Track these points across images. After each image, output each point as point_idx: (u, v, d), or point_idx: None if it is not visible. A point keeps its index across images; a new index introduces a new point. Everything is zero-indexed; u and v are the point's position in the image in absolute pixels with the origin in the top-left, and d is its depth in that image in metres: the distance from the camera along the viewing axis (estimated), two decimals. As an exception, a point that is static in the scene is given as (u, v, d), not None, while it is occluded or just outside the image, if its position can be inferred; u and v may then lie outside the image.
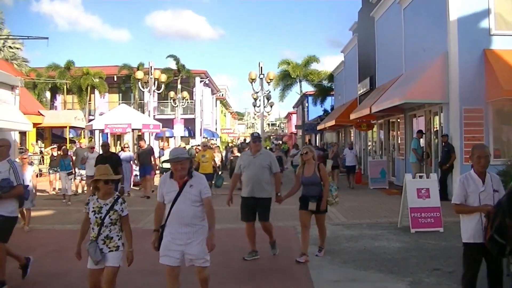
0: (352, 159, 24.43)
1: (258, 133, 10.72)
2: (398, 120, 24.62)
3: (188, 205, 6.37)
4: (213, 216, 6.50)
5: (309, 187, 9.80)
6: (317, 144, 49.17)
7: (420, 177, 13.46)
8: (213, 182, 19.74)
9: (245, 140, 63.26)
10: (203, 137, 51.73)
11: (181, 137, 38.00)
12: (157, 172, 22.79)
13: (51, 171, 21.70)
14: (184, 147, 28.97)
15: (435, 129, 20.14)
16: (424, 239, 11.49)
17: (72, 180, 20.25)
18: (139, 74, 31.77)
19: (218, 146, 36.13)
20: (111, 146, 26.86)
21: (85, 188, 20.74)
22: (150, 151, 21.53)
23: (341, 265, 9.43)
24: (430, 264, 9.29)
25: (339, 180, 23.52)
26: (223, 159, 30.89)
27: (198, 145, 32.94)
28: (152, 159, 21.17)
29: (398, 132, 24.48)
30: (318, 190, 9.72)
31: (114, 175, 12.08)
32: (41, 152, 32.98)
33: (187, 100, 41.22)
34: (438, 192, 13.04)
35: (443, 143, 17.83)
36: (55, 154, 21.99)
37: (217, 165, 22.44)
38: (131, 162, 21.55)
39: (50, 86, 46.67)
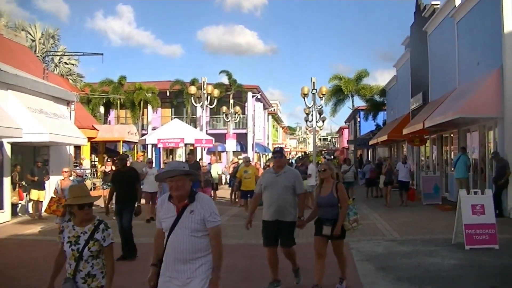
0: (406, 175, 23.12)
1: (280, 147, 9.81)
2: (452, 135, 24.32)
3: (186, 235, 5.07)
4: (220, 251, 5.18)
5: (325, 209, 8.68)
6: (369, 159, 48.80)
7: (475, 193, 13.26)
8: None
9: (301, 154, 63.18)
10: (255, 152, 51.95)
11: (233, 151, 38.30)
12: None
13: (104, 186, 21.19)
14: (237, 162, 28.79)
15: (489, 144, 19.82)
16: (479, 256, 11.29)
17: None
18: (192, 89, 32.19)
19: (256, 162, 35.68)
20: (163, 158, 27.24)
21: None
22: (198, 165, 20.27)
23: (395, 282, 9.37)
24: (486, 282, 9.16)
25: (392, 196, 22.82)
26: None
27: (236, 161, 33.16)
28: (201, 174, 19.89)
29: (452, 147, 24.16)
30: (334, 213, 8.58)
31: (130, 191, 11.64)
32: (94, 165, 33.68)
33: (239, 115, 41.54)
34: (493, 209, 12.85)
35: (495, 160, 17.63)
36: (107, 169, 21.92)
37: None
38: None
39: (104, 101, 47.81)
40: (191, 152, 24.40)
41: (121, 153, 34.61)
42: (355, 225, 8.73)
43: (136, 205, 11.95)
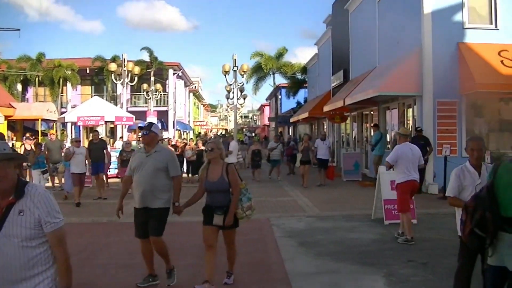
0: (325, 152, 21.57)
1: (150, 123, 8.39)
2: (372, 112, 24.75)
3: (15, 246, 3.61)
4: (68, 264, 3.85)
5: (214, 195, 7.54)
6: (279, 136, 49.09)
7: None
8: None
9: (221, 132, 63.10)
10: (176, 130, 51.45)
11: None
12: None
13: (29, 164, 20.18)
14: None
15: (408, 122, 20.25)
16: (398, 230, 11.53)
17: (48, 178, 18.30)
18: (113, 66, 31.35)
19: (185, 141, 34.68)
20: (83, 139, 26.40)
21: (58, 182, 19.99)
22: (103, 145, 19.43)
23: (317, 257, 9.41)
24: (404, 255, 9.32)
25: (311, 174, 21.75)
26: None
27: (170, 138, 32.71)
28: (106, 153, 19.04)
29: (372, 125, 24.60)
30: (226, 199, 7.47)
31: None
32: (12, 145, 32.48)
33: (160, 92, 41.00)
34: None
35: (418, 137, 17.80)
36: (28, 147, 21.01)
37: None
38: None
39: (21, 78, 46.13)
40: (95, 131, 22.67)
41: (39, 131, 33.61)
42: (249, 212, 7.64)
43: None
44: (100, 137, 20.89)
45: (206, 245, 7.55)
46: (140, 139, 9.64)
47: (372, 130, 22.08)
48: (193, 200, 7.74)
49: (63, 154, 18.00)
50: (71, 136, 26.13)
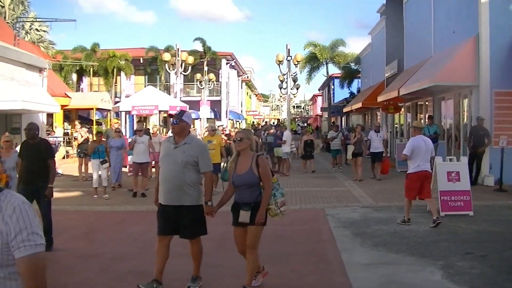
0: (379, 145, 20.58)
1: (182, 110, 8.01)
2: (426, 103, 24.46)
3: None
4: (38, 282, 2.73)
5: (242, 191, 6.86)
6: (338, 126, 48.71)
7: (451, 160, 13.38)
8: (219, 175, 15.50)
9: (270, 122, 63.17)
10: (229, 119, 51.71)
11: (207, 118, 38.14)
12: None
13: (81, 154, 20.39)
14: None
15: (464, 113, 19.93)
16: (454, 222, 11.45)
17: (107, 168, 16.67)
18: (166, 56, 31.75)
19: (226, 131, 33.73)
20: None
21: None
22: (148, 134, 18.66)
23: (372, 248, 9.46)
24: (461, 248, 9.26)
25: (364, 169, 20.68)
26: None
27: (224, 127, 32.89)
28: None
29: (426, 115, 24.28)
30: (254, 195, 6.80)
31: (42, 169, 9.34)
32: (67, 133, 33.30)
33: (213, 82, 41.35)
34: (468, 176, 13.00)
35: (478, 126, 17.30)
36: (84, 135, 21.34)
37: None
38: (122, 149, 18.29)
39: (76, 69, 47.16)
40: (140, 121, 22.17)
41: (94, 121, 34.34)
42: (283, 208, 6.97)
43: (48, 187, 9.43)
44: (153, 126, 21.22)
45: (239, 250, 7.07)
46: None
47: (427, 123, 21.51)
48: (225, 199, 7.07)
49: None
50: (125, 126, 26.56)
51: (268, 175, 6.80)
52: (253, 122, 64.65)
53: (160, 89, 42.09)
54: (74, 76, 49.11)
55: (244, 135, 7.01)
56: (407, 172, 11.63)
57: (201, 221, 7.05)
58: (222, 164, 15.58)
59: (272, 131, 25.24)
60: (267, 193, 6.75)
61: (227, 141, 22.96)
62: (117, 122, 24.15)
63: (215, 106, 47.65)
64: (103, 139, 17.23)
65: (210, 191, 7.17)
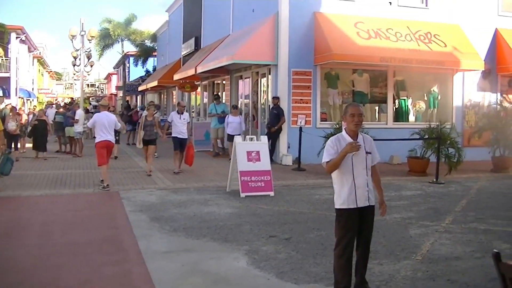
0: (182, 129, 16.10)
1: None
2: (224, 81, 24.19)
3: None
4: None
5: None
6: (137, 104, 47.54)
7: (251, 139, 12.97)
8: None
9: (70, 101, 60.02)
10: (19, 97, 48.24)
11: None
12: None
13: None
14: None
15: (263, 91, 19.83)
16: (255, 204, 11.01)
17: None
18: None
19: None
20: None
21: None
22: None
23: (172, 234, 8.58)
24: (265, 230, 8.74)
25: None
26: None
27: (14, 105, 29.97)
28: None
29: (224, 94, 24.00)
30: None
31: None
32: None
33: (1, 57, 38.12)
34: (269, 155, 12.71)
35: (274, 105, 17.47)
36: None
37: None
38: None
39: None
40: None
41: None
42: None
43: None
44: None
45: None
46: None
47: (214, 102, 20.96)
48: None
49: None
50: None
51: None
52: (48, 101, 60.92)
53: None
54: None
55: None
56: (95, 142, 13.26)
57: None
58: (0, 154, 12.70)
59: (61, 110, 23.44)
60: None
61: (20, 122, 20.63)
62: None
63: (4, 83, 44.20)
64: None
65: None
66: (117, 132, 19.02)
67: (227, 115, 19.14)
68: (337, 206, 5.72)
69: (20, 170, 15.85)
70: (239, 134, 15.66)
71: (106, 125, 13.05)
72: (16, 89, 47.91)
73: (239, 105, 21.46)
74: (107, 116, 13.35)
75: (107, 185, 12.82)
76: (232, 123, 18.54)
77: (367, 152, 5.67)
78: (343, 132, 5.72)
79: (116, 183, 13.81)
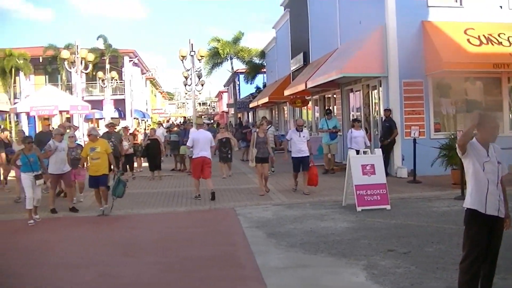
0: (302, 147, 15.08)
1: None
2: (334, 95, 24.16)
3: None
4: None
5: None
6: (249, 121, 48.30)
7: (365, 152, 12.94)
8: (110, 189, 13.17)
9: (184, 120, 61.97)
10: (134, 118, 50.24)
11: (112, 118, 36.69)
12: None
13: None
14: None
15: (375, 104, 19.68)
16: (371, 217, 10.98)
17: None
18: (65, 54, 30.05)
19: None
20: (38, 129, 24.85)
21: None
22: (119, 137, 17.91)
23: (289, 249, 8.75)
24: (382, 245, 8.73)
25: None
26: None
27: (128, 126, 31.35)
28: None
29: (335, 108, 24.00)
30: None
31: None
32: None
33: (116, 80, 40.05)
34: (384, 168, 12.59)
35: (385, 118, 17.33)
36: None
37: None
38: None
39: (-29, 69, 44.24)
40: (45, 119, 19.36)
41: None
42: None
43: None
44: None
45: None
46: None
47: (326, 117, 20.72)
48: None
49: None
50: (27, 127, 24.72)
51: None
52: (159, 121, 63.11)
53: (61, 88, 40.61)
54: (-31, 77, 46.15)
55: None
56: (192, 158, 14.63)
57: None
58: (113, 176, 13.60)
59: (175, 129, 24.49)
60: None
61: (135, 142, 21.77)
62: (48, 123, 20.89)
63: (119, 105, 46.33)
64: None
65: None
66: (229, 150, 19.71)
67: (350, 130, 17.48)
68: (465, 205, 5.69)
69: (137, 189, 16.65)
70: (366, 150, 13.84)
71: (201, 142, 14.36)
72: (131, 110, 50.08)
73: (350, 118, 21.36)
74: (202, 134, 14.74)
75: (199, 195, 14.34)
76: (357, 137, 16.75)
77: (498, 162, 5.59)
78: (474, 140, 5.63)
79: (232, 199, 14.16)
